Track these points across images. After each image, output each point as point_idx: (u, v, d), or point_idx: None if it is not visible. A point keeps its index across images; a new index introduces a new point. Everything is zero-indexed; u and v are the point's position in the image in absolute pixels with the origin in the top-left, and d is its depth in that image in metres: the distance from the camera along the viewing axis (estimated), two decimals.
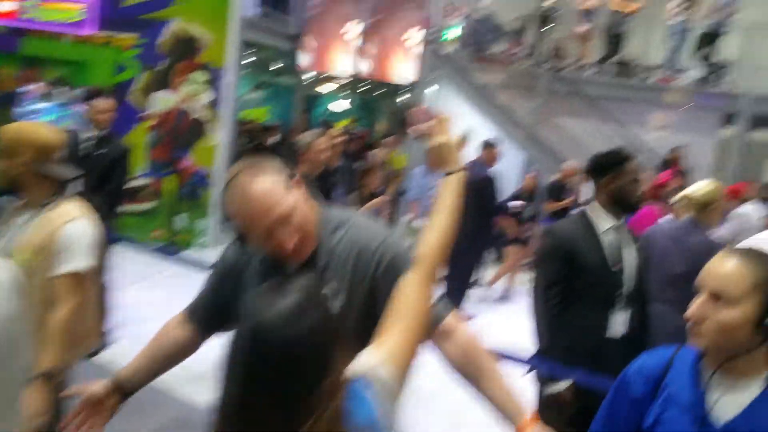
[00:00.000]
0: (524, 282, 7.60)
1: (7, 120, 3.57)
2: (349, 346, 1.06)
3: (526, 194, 7.13)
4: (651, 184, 5.28)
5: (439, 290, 5.50)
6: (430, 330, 1.48)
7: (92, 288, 2.26)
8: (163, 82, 7.43)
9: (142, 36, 7.34)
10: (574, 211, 7.19)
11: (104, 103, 4.17)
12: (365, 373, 1.07)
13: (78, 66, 7.31)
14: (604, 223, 2.63)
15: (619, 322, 2.58)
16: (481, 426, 2.54)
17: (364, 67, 9.14)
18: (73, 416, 1.55)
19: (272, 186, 1.40)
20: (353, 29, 9.05)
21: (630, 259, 2.62)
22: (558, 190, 7.63)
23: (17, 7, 7.06)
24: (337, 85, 12.91)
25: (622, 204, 2.63)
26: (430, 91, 9.50)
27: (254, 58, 10.73)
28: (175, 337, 1.70)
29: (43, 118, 6.22)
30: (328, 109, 13.94)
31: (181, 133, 7.54)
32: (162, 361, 1.68)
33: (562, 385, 2.58)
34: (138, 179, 7.24)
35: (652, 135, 9.01)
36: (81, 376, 2.16)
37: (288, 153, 8.14)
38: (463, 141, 9.01)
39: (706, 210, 3.36)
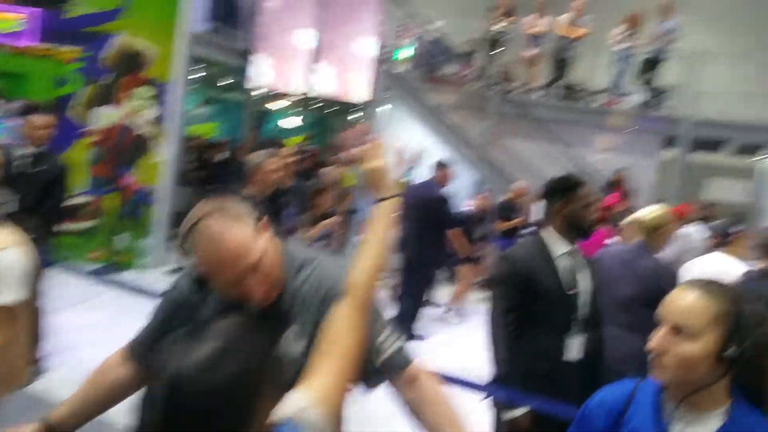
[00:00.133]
0: (476, 301, 7.69)
1: None
2: (283, 389, 1.00)
3: (479, 214, 7.18)
4: (598, 207, 5.37)
5: (392, 311, 5.41)
6: (394, 376, 1.44)
7: (24, 320, 2.10)
8: (106, 96, 7.20)
9: (85, 49, 7.10)
10: (525, 231, 7.36)
11: (42, 119, 3.96)
12: (293, 416, 1.00)
13: (15, 78, 6.99)
14: (558, 247, 2.64)
15: (575, 347, 2.59)
16: None
17: (316, 84, 9.08)
18: None
19: (244, 233, 1.35)
20: (305, 46, 9.00)
21: (584, 283, 2.64)
22: (508, 210, 7.73)
23: None
24: (288, 102, 12.80)
25: (575, 229, 2.65)
26: (383, 110, 9.51)
27: (203, 74, 10.54)
28: (114, 377, 1.58)
29: None
30: (278, 126, 13.79)
31: (124, 149, 7.31)
32: (99, 402, 1.56)
33: (519, 412, 2.57)
34: (78, 197, 6.95)
35: (597, 157, 9.24)
36: (12, 408, 2.03)
37: (236, 171, 8.01)
38: (408, 161, 9.01)
39: (656, 234, 3.42)
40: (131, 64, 7.20)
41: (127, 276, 6.73)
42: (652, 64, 9.56)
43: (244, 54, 8.97)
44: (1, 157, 2.96)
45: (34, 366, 3.74)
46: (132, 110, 7.26)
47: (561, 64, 9.88)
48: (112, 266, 7.06)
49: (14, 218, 2.10)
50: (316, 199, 5.16)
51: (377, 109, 9.32)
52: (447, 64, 9.86)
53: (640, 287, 3.35)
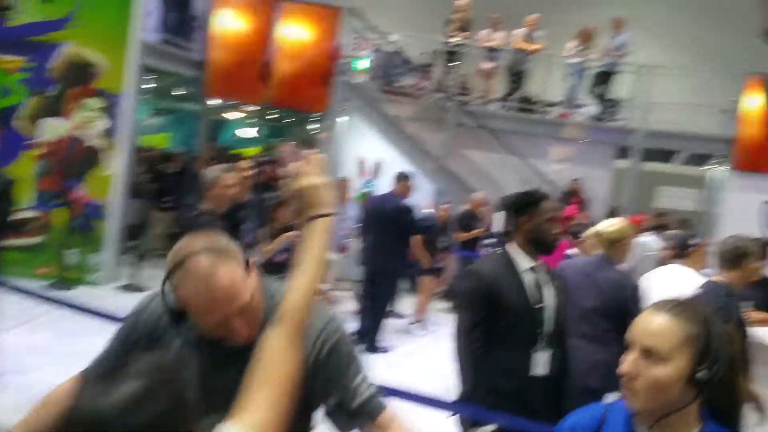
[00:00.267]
0: (438, 311, 7.69)
1: None
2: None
3: (440, 225, 7.19)
4: (561, 221, 5.42)
5: (355, 323, 5.30)
6: (366, 422, 1.41)
7: None
8: (53, 108, 6.97)
9: (30, 59, 6.85)
10: (487, 241, 7.39)
11: None
12: None
13: None
14: (523, 262, 2.63)
15: (541, 362, 2.58)
16: None
17: (274, 94, 8.97)
18: None
19: (235, 274, 1.31)
20: (262, 56, 8.89)
21: (550, 297, 2.63)
22: (468, 221, 7.77)
23: None
24: (245, 113, 12.64)
25: (538, 243, 2.64)
26: (341, 120, 9.46)
27: (155, 85, 10.32)
28: (64, 411, 1.46)
29: None
30: (235, 136, 13.60)
31: (74, 162, 7.07)
32: None
33: (486, 429, 2.55)
34: (24, 212, 6.67)
35: (554, 167, 9.39)
36: None
37: (191, 183, 7.85)
38: (369, 172, 9.01)
39: (616, 246, 3.45)
40: (80, 75, 6.98)
41: (77, 293, 6.50)
42: (604, 78, 9.80)
43: (199, 65, 8.81)
44: None
45: None
46: (81, 122, 7.03)
47: (517, 77, 10.03)
48: (61, 282, 6.83)
49: None
50: (276, 212, 5.05)
51: (336, 119, 9.28)
52: (405, 75, 9.88)
53: (601, 299, 3.37)
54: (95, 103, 7.06)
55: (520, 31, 9.84)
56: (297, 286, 1.25)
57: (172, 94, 11.79)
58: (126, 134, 7.32)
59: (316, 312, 1.44)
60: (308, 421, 1.51)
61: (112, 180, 7.25)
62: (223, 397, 1.12)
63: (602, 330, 3.38)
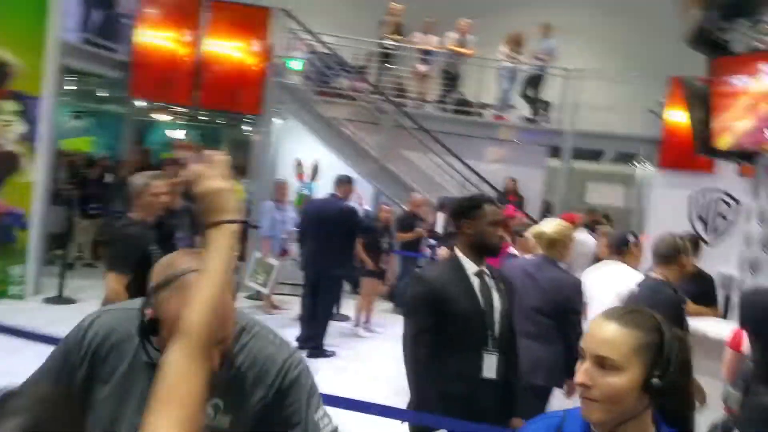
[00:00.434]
0: (382, 312, 7.67)
1: None
2: None
3: (382, 226, 7.16)
4: (504, 225, 5.48)
5: (299, 329, 5.15)
6: None
7: None
8: None
9: None
10: (430, 242, 7.38)
11: None
12: None
13: None
14: (470, 266, 2.63)
15: (491, 365, 2.57)
16: None
17: (203, 96, 8.69)
18: None
19: (227, 299, 1.24)
20: (192, 55, 8.60)
21: (498, 300, 2.62)
22: (409, 221, 7.77)
23: None
24: (174, 115, 12.24)
25: (482, 248, 2.64)
26: (277, 122, 9.28)
27: (75, 87, 9.88)
28: None
29: None
30: (164, 138, 13.15)
31: None
32: None
33: None
34: None
35: (489, 168, 9.53)
36: None
37: (118, 189, 7.49)
38: (307, 174, 8.92)
39: (557, 246, 3.49)
40: None
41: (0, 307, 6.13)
42: (535, 81, 10.03)
43: (124, 65, 8.45)
44: None
45: None
46: None
47: (451, 80, 10.12)
48: None
49: None
50: None
51: (271, 122, 9.09)
52: (340, 77, 9.80)
53: (544, 298, 3.41)
54: (11, 106, 6.66)
55: (452, 35, 9.94)
56: (200, 300, 1.14)
57: (96, 95, 11.33)
58: (46, 138, 6.96)
59: (279, 344, 1.41)
60: None
61: (33, 187, 6.89)
62: None
63: (545, 328, 3.42)
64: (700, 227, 7.57)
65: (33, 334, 3.35)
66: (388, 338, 6.69)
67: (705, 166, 7.65)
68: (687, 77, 5.82)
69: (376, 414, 2.77)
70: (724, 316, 5.03)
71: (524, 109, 10.28)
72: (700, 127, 5.31)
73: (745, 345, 3.14)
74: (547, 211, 9.77)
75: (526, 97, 10.17)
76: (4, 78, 6.59)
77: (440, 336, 2.54)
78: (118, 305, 1.54)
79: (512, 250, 4.75)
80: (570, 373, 3.40)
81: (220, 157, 1.27)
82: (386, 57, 9.99)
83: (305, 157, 9.18)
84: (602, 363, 1.26)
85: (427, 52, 10.06)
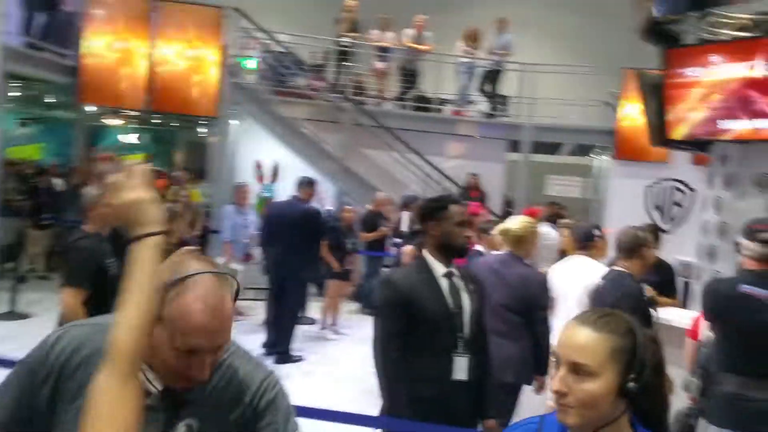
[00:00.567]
0: (348, 313, 7.61)
1: None
2: None
3: (346, 227, 7.09)
4: (470, 225, 5.48)
5: (264, 334, 5.06)
6: None
7: None
8: None
9: None
10: (395, 241, 7.35)
11: None
12: None
13: None
14: (438, 268, 2.61)
15: (462, 366, 2.55)
16: None
17: (155, 99, 8.46)
18: None
19: (231, 305, 1.22)
20: (142, 58, 8.37)
21: (467, 300, 2.61)
22: (372, 220, 7.72)
23: None
24: (126, 119, 11.92)
25: (449, 249, 2.63)
26: (233, 123, 9.11)
27: (21, 93, 9.53)
28: None
29: None
30: (117, 143, 12.79)
31: None
32: None
33: None
34: None
35: (450, 163, 9.56)
36: None
37: (71, 198, 7.24)
38: (267, 177, 8.77)
39: (523, 242, 3.50)
40: None
41: None
42: (492, 76, 10.09)
43: (72, 69, 8.16)
44: None
45: None
46: None
47: (410, 76, 10.11)
48: None
49: None
50: (169, 225, 4.71)
51: (227, 123, 8.92)
52: (297, 76, 9.67)
53: (511, 295, 3.42)
54: None
55: (409, 32, 9.91)
56: (125, 320, 1.08)
57: (44, 101, 10.96)
58: None
59: (256, 363, 1.36)
60: None
61: None
62: None
63: (514, 325, 3.43)
64: (657, 216, 7.72)
65: None
66: (355, 340, 6.64)
67: (660, 156, 7.81)
68: (641, 69, 5.91)
69: (347, 423, 2.73)
70: (683, 304, 5.14)
71: (483, 104, 10.34)
72: (654, 118, 5.39)
73: (703, 334, 3.20)
74: (508, 207, 9.86)
75: (483, 92, 10.23)
76: None
77: (410, 339, 2.52)
78: (87, 321, 1.45)
79: (478, 247, 4.75)
80: (539, 369, 3.45)
81: (140, 166, 1.20)
82: (344, 55, 9.91)
83: (265, 159, 9.04)
84: (577, 369, 1.25)
85: (384, 50, 10.02)
